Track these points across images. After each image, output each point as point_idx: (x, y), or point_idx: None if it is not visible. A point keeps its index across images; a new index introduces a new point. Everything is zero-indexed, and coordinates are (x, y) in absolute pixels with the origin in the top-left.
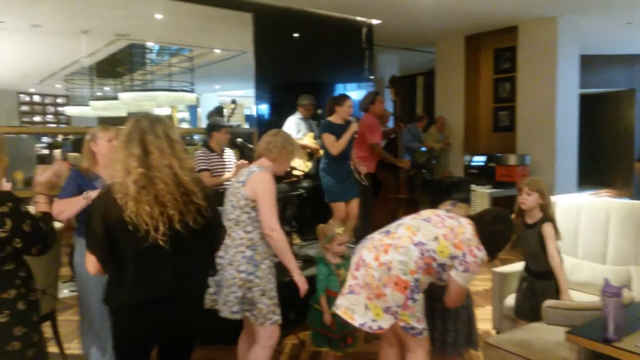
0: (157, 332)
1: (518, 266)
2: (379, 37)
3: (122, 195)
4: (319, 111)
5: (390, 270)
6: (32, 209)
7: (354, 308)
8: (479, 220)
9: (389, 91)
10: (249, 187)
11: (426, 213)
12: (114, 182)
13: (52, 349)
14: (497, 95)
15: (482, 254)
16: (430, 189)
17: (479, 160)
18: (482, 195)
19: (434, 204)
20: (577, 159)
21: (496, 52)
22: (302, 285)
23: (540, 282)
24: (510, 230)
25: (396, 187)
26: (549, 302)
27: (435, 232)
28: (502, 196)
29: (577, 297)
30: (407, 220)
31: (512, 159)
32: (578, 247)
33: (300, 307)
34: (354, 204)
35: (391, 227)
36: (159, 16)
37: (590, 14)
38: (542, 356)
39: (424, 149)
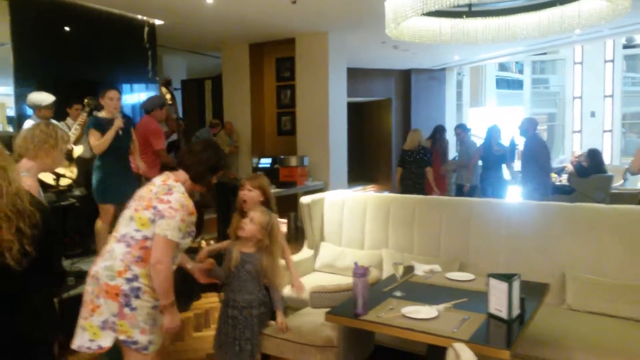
0: None
1: (293, 259)
2: (165, 38)
3: None
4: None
5: (99, 280)
6: None
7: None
8: (185, 160)
9: (164, 93)
10: None
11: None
12: None
13: None
14: (280, 101)
15: (174, 197)
16: (216, 191)
17: (265, 162)
18: None
19: (220, 206)
20: (346, 159)
21: (277, 61)
22: None
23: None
24: (218, 153)
25: None
26: (312, 287)
27: (128, 214)
28: (285, 195)
29: (342, 281)
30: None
31: (293, 161)
32: (342, 236)
33: None
34: None
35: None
36: None
37: (354, 32)
38: (310, 338)
39: None
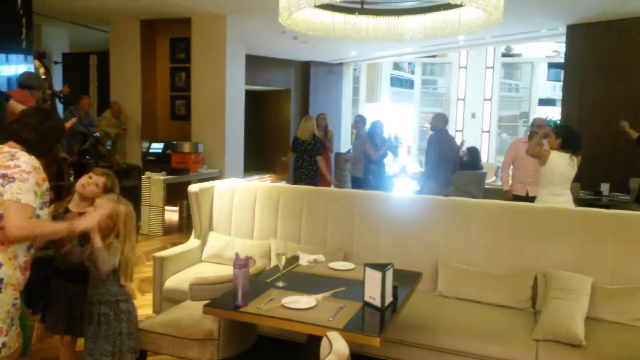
0: None
1: (178, 249)
2: (44, 5)
3: None
4: None
5: None
6: None
7: None
8: (22, 135)
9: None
10: None
11: None
12: None
13: None
14: (174, 84)
15: (23, 159)
16: None
17: (156, 147)
18: (156, 182)
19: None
20: (243, 147)
21: (172, 41)
22: None
23: (72, 285)
24: (58, 119)
25: (59, 174)
26: (192, 280)
27: None
28: (176, 182)
29: (229, 271)
30: None
31: (186, 147)
32: (231, 226)
33: None
34: None
35: None
36: None
37: (253, 17)
38: (189, 331)
39: (97, 134)
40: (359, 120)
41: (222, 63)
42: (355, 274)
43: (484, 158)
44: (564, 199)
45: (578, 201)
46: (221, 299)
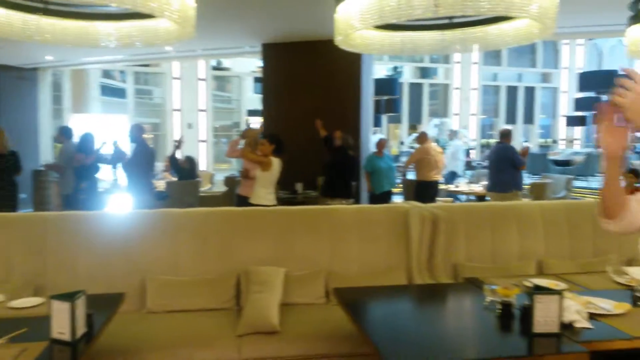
0: None
1: None
2: None
3: None
4: None
5: None
6: None
7: None
8: None
9: None
10: None
11: None
12: None
13: None
14: None
15: None
16: None
17: None
18: None
19: None
20: None
21: None
22: None
23: None
24: None
25: None
26: None
27: None
28: None
29: None
30: None
31: None
32: None
33: None
34: None
35: None
36: None
37: None
38: None
39: None
40: (62, 133)
41: None
42: (44, 310)
43: (202, 166)
44: (274, 196)
45: (278, 200)
46: None
